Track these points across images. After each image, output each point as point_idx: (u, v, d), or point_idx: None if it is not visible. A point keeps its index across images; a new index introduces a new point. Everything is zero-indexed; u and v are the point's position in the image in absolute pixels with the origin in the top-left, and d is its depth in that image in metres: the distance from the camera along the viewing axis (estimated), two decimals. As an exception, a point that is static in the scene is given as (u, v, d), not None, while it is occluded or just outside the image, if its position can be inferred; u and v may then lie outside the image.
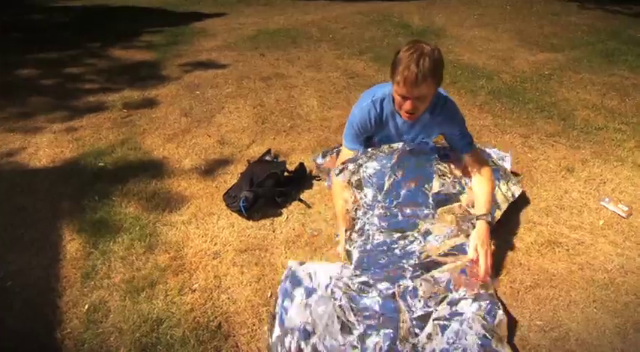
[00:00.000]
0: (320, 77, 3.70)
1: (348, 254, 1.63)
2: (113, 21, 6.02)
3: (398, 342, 1.33)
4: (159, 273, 1.76)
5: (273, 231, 1.99)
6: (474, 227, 1.62)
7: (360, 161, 1.76)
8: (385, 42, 4.76)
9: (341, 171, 1.78)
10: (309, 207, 2.12)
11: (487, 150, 2.24)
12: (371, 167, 1.73)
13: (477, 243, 1.53)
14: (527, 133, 2.80)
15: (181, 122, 2.97)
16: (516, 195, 1.96)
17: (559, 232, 1.96)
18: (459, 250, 1.59)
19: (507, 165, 2.20)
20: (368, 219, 1.66)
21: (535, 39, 4.86)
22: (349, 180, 1.76)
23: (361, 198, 1.69)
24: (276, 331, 1.42)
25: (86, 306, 1.63)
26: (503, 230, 1.95)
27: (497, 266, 1.76)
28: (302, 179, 2.28)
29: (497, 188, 1.89)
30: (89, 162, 2.53)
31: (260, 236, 1.96)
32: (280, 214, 2.09)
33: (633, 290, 1.66)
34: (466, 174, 1.79)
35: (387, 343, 1.33)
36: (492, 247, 1.65)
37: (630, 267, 1.76)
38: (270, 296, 1.63)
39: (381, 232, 1.62)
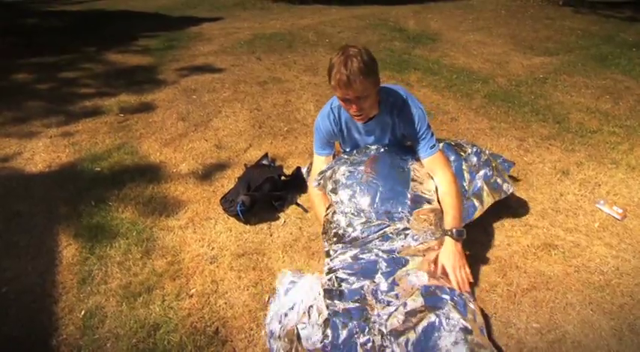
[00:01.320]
0: (317, 81, 3.72)
1: (327, 254, 1.63)
2: (109, 25, 6.03)
3: (367, 335, 1.31)
4: (156, 278, 1.76)
5: (271, 235, 1.99)
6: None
7: (335, 166, 1.77)
8: (381, 46, 4.79)
9: (318, 182, 1.80)
10: (306, 211, 2.13)
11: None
12: (345, 171, 1.73)
13: (444, 263, 1.52)
14: (522, 136, 2.81)
15: (178, 126, 2.97)
16: (508, 193, 1.94)
17: (555, 235, 1.97)
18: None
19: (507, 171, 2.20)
20: (343, 221, 1.66)
21: (530, 43, 4.90)
22: (324, 186, 1.77)
23: (336, 203, 1.69)
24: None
25: (82, 312, 1.62)
26: (500, 233, 1.96)
27: (494, 269, 1.77)
28: (299, 183, 2.28)
29: (483, 184, 1.88)
30: (86, 167, 2.52)
31: (257, 240, 1.96)
32: (277, 218, 2.09)
33: (629, 292, 1.67)
34: None
35: (355, 330, 1.32)
36: (464, 261, 1.54)
37: (625, 269, 1.77)
38: (268, 300, 1.63)
39: (357, 232, 1.62)
